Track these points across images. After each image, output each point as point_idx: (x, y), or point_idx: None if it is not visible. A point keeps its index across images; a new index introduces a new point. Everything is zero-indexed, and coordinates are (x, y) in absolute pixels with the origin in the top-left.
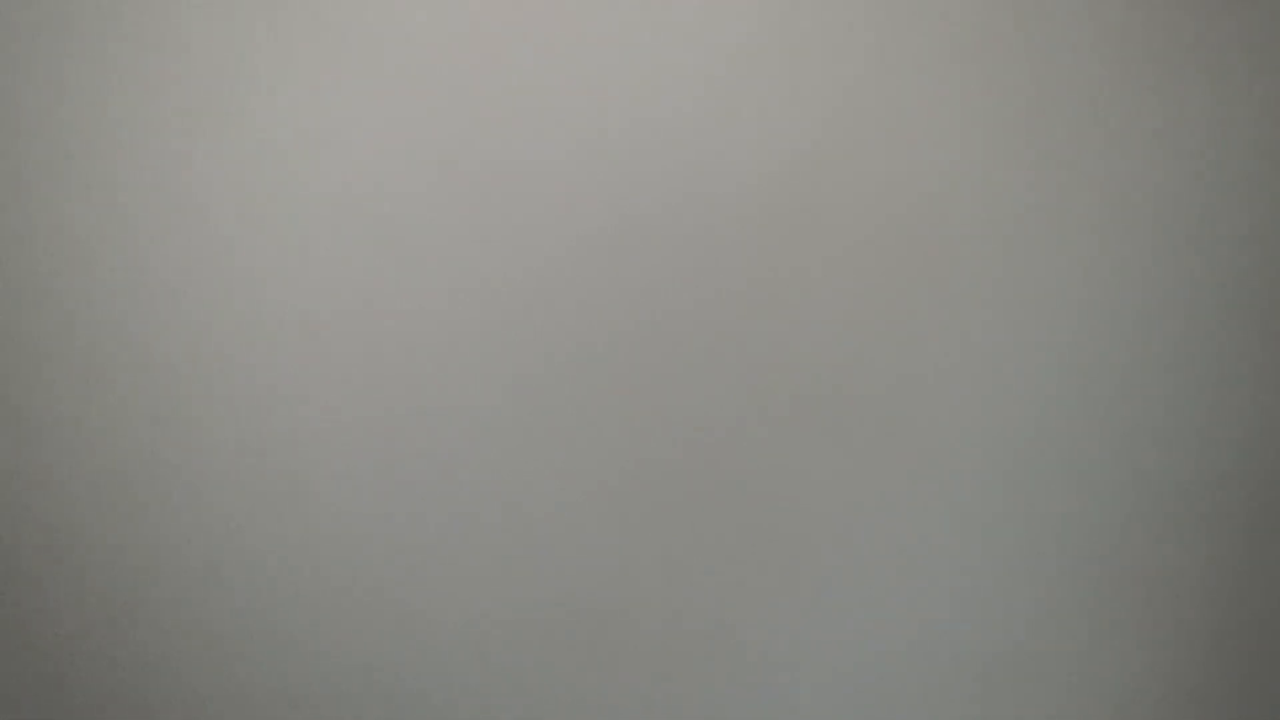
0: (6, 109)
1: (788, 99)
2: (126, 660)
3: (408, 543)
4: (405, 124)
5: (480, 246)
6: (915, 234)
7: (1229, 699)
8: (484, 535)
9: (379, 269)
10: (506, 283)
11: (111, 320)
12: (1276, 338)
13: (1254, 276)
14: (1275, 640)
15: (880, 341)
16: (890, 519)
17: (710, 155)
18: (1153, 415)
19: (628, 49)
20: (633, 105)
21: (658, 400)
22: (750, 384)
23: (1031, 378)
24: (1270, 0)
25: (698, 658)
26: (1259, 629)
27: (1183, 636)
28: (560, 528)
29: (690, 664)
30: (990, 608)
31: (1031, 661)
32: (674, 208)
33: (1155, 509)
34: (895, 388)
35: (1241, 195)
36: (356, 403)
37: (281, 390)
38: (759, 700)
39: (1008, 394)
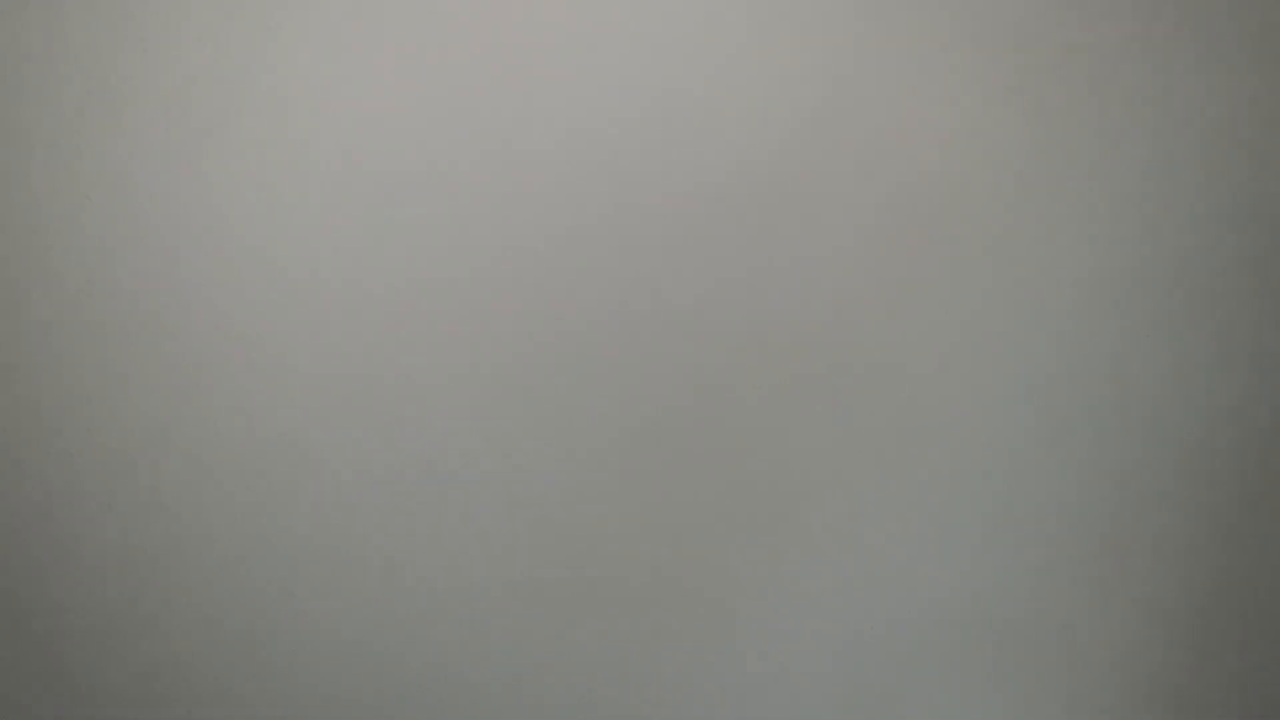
0: (10, 104)
1: (783, 79)
2: (126, 642)
3: (408, 511)
4: (409, 112)
5: (484, 228)
6: (908, 210)
7: (1223, 665)
8: (483, 504)
9: (386, 249)
10: (510, 263)
11: (119, 313)
12: (1269, 313)
13: (1248, 254)
14: (1267, 605)
15: (873, 313)
16: (882, 488)
17: (708, 133)
18: (1146, 388)
19: (621, 34)
20: (631, 89)
21: (654, 375)
22: (745, 356)
23: (1024, 350)
24: None
25: (691, 622)
26: (1252, 595)
27: (1178, 605)
28: (558, 497)
29: (684, 628)
30: (982, 578)
31: (1023, 629)
32: (673, 186)
33: (1149, 478)
34: (888, 360)
35: (1237, 174)
36: (360, 380)
37: (287, 371)
38: (751, 662)
39: (1001, 367)
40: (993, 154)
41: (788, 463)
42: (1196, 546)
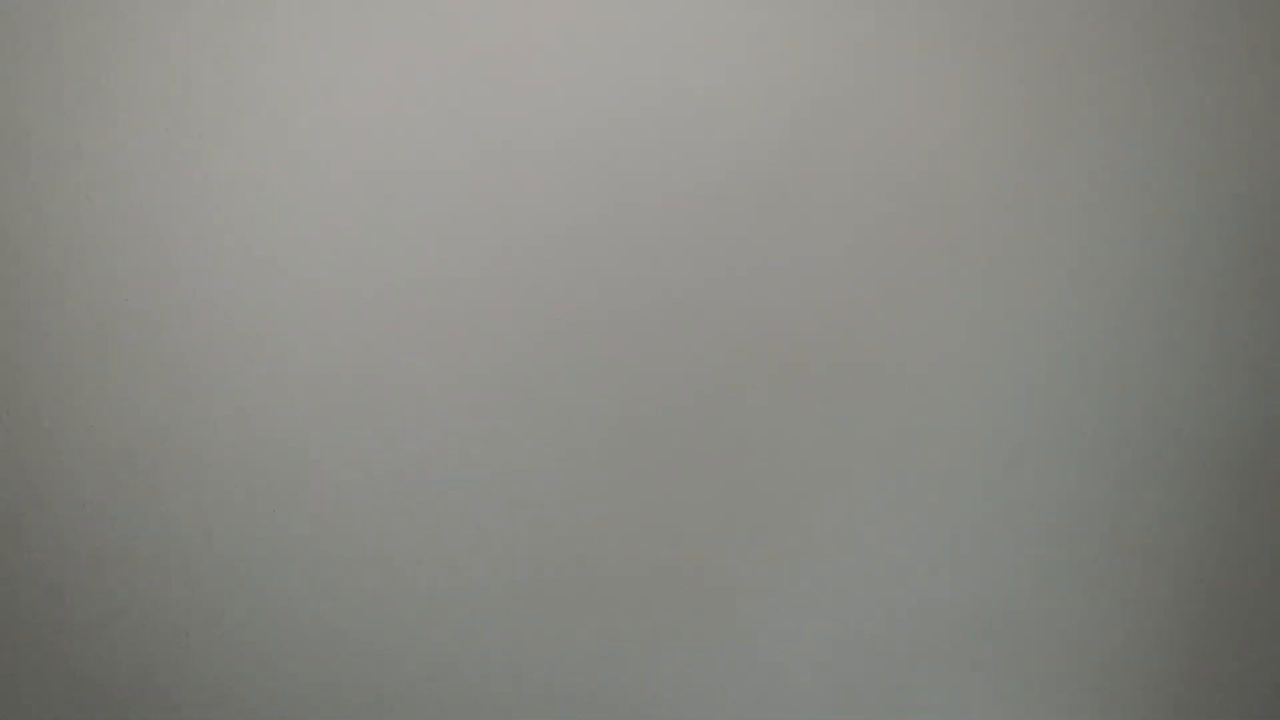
0: (10, 104)
1: (784, 79)
2: (126, 641)
3: (408, 511)
4: (408, 111)
5: (484, 228)
6: (909, 210)
7: (1223, 665)
8: (482, 503)
9: (386, 249)
10: (509, 263)
11: (119, 313)
12: (1269, 313)
13: (1248, 255)
14: (1267, 605)
15: (873, 313)
16: (883, 487)
17: (709, 133)
18: (1146, 388)
19: (621, 34)
20: (631, 90)
21: (654, 374)
22: (745, 356)
23: (1024, 350)
24: None
25: (692, 621)
26: (1252, 595)
27: (1178, 604)
28: (558, 497)
29: (684, 628)
30: (982, 578)
31: (1023, 628)
32: (674, 186)
33: (1149, 478)
34: (888, 360)
35: (1237, 175)
36: (360, 380)
37: (286, 370)
38: (751, 662)
39: (1001, 367)
40: (993, 154)
41: (788, 462)
42: (1197, 546)
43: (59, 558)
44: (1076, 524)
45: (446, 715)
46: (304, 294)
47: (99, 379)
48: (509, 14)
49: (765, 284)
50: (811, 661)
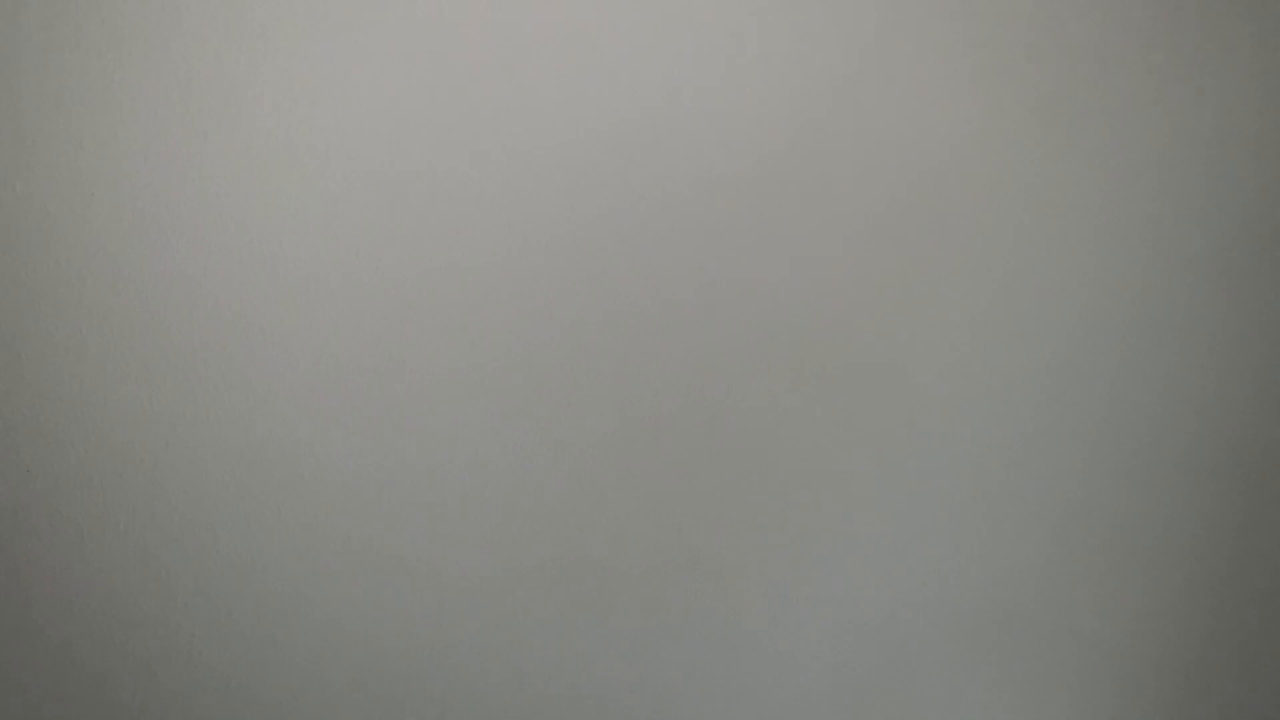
0: (10, 104)
1: (791, 79)
2: (132, 638)
3: (412, 506)
4: (412, 108)
5: (486, 226)
6: (913, 210)
7: (1228, 659)
8: (485, 499)
9: (389, 246)
10: (512, 260)
11: (122, 310)
12: (1272, 312)
13: (1254, 256)
14: (1272, 602)
15: (878, 311)
16: (888, 484)
17: (714, 132)
18: (1151, 386)
19: (627, 32)
20: (636, 88)
21: (657, 371)
22: (750, 353)
23: (1030, 348)
24: None
25: (694, 616)
26: (1257, 591)
27: (1182, 599)
28: (560, 492)
29: (686, 622)
30: (986, 573)
31: (1027, 623)
32: (678, 185)
33: (1153, 474)
34: (894, 357)
35: (1243, 177)
36: (363, 374)
37: (290, 366)
38: (754, 655)
39: (1006, 365)
40: (997, 154)
41: (789, 461)
42: (1201, 544)
43: (63, 557)
44: (1080, 522)
45: (447, 712)
46: (306, 291)
47: (101, 377)
48: (511, 12)
49: (767, 283)
50: (814, 658)
